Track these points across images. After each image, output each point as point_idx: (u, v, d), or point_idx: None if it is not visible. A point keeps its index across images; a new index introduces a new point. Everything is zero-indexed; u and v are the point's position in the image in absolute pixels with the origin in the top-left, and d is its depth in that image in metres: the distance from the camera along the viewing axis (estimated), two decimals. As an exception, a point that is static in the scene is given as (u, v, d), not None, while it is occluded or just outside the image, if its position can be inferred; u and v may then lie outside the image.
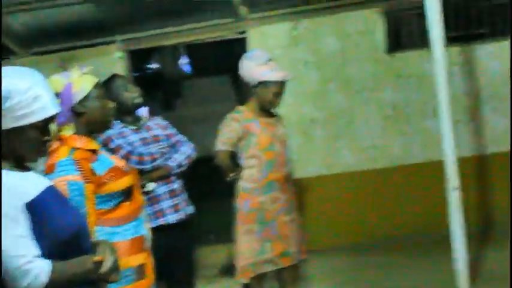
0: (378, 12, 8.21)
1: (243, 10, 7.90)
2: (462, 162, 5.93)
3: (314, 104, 8.23)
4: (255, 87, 5.08)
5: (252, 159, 5.03)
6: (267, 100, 5.07)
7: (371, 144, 8.24)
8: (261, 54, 5.16)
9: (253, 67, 5.04)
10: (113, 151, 4.45)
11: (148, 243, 3.52)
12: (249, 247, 5.01)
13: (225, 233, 5.61)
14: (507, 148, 8.10)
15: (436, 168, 6.22)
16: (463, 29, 8.25)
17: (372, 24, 8.24)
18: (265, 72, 5.02)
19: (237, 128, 5.03)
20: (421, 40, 7.63)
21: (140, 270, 3.40)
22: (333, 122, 8.24)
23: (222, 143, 5.05)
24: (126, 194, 3.40)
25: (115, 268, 2.58)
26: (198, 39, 8.49)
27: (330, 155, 8.25)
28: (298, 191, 6.17)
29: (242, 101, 5.65)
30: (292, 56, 8.16)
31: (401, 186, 8.14)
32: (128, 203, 3.41)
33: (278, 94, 5.07)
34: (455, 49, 8.08)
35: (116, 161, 3.51)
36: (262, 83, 5.02)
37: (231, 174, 5.07)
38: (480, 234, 7.45)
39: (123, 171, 3.43)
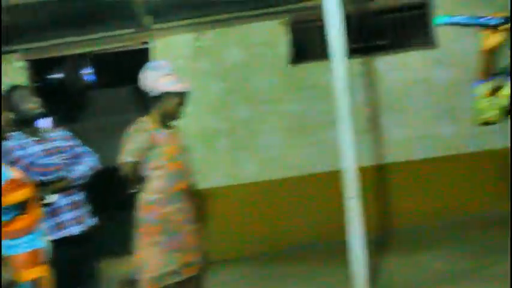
0: (282, 24, 8.30)
1: (147, 20, 7.86)
2: (363, 172, 6.03)
3: (217, 115, 8.25)
4: (157, 98, 5.07)
5: (157, 170, 5.00)
6: (170, 111, 5.08)
7: (274, 155, 8.30)
8: (164, 64, 5.16)
9: (156, 78, 5.03)
10: (12, 163, 4.38)
11: (46, 256, 3.48)
12: (155, 259, 4.97)
13: (128, 245, 5.56)
14: (404, 158, 8.34)
15: (337, 177, 6.31)
16: (364, 41, 8.42)
17: (276, 35, 8.32)
18: (168, 83, 5.02)
19: (143, 139, 4.99)
20: (324, 51, 7.67)
21: (37, 284, 3.36)
22: (236, 132, 8.28)
23: (129, 153, 4.99)
24: (23, 206, 3.35)
25: (11, 282, 2.55)
26: (102, 49, 8.41)
27: (233, 165, 8.28)
28: (200, 201, 6.19)
29: (146, 112, 5.61)
30: (195, 66, 8.16)
31: (304, 196, 8.23)
32: (24, 215, 3.36)
33: (181, 105, 5.08)
34: (357, 60, 8.24)
35: (15, 173, 3.46)
36: (165, 94, 5.03)
37: (136, 186, 5.05)
38: (379, 242, 7.61)
39: (21, 183, 3.39)
